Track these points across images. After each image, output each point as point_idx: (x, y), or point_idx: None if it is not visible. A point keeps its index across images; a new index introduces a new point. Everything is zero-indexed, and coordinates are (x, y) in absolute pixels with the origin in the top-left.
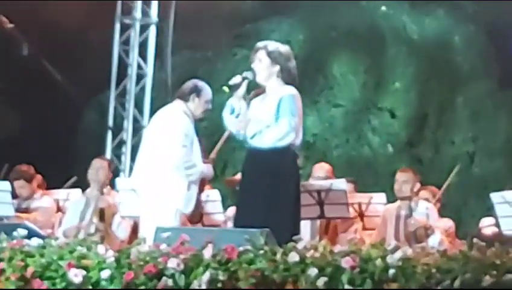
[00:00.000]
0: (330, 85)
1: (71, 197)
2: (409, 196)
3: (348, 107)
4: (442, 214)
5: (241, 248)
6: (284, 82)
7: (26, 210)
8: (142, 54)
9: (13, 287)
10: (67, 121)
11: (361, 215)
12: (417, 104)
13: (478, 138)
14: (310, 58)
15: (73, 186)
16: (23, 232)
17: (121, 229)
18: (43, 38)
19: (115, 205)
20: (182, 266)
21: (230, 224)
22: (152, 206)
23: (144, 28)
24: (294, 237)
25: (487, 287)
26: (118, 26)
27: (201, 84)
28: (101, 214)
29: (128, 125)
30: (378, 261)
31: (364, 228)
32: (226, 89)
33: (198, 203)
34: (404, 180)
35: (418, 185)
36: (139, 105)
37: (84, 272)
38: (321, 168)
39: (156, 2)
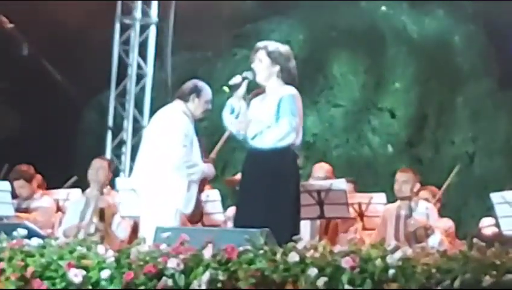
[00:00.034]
0: (330, 85)
1: (71, 197)
2: (408, 196)
3: (348, 107)
4: (442, 214)
5: (241, 248)
6: (284, 82)
7: (26, 210)
8: (142, 54)
9: (13, 287)
10: (67, 121)
11: (361, 215)
12: (417, 104)
13: (478, 138)
14: (309, 58)
15: (73, 186)
16: (23, 232)
17: (120, 229)
18: (43, 38)
19: (115, 205)
20: (181, 266)
21: (230, 224)
22: (152, 206)
23: (144, 28)
24: (294, 237)
25: (487, 288)
26: (118, 26)
27: (201, 84)
28: (101, 214)
29: (128, 125)
30: (378, 261)
31: (364, 228)
32: (226, 89)
33: (199, 203)
34: (404, 180)
35: (418, 185)
36: (139, 105)
37: (84, 272)
38: (321, 168)
39: (156, 2)
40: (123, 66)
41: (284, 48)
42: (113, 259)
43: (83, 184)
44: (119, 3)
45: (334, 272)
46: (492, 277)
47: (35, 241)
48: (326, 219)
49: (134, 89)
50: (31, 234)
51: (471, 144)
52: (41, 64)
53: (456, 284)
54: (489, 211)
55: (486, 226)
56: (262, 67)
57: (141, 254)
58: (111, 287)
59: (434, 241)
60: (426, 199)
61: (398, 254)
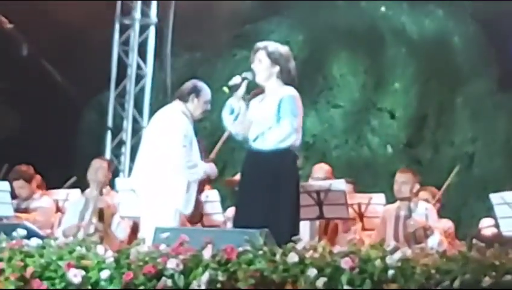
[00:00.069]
0: (330, 86)
1: (70, 198)
2: (408, 196)
3: (348, 108)
4: (441, 214)
5: (240, 249)
6: (283, 83)
7: (26, 210)
8: (142, 55)
9: (13, 287)
10: (67, 121)
11: (360, 215)
12: (417, 105)
13: (478, 138)
14: (309, 58)
15: (72, 186)
16: (22, 232)
17: (120, 230)
18: (43, 39)
19: (114, 205)
20: (181, 267)
21: (229, 224)
22: (151, 206)
23: (144, 29)
24: (294, 238)
25: (486, 288)
26: (117, 27)
27: (200, 84)
28: (101, 215)
29: (127, 125)
30: (378, 262)
31: (363, 229)
32: (225, 89)
33: (198, 204)
34: (403, 181)
35: (417, 186)
36: (138, 105)
37: (83, 273)
38: (320, 169)
39: (156, 2)
40: (123, 67)
41: (284, 49)
42: (112, 259)
43: (82, 184)
44: (118, 3)
45: (333, 272)
46: (491, 277)
47: (34, 242)
48: (325, 220)
49: (133, 90)
50: (31, 235)
51: (471, 144)
52: (41, 64)
53: (456, 284)
54: (489, 211)
55: (486, 227)
56: (262, 68)
57: (141, 254)
58: (110, 288)
59: (433, 242)
60: (426, 200)
61: (397, 255)
